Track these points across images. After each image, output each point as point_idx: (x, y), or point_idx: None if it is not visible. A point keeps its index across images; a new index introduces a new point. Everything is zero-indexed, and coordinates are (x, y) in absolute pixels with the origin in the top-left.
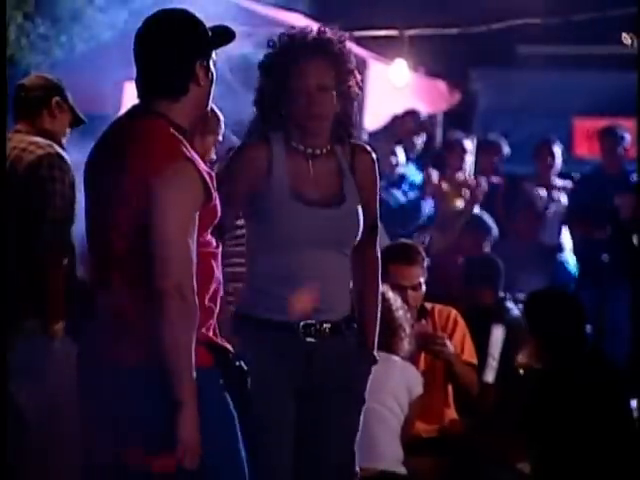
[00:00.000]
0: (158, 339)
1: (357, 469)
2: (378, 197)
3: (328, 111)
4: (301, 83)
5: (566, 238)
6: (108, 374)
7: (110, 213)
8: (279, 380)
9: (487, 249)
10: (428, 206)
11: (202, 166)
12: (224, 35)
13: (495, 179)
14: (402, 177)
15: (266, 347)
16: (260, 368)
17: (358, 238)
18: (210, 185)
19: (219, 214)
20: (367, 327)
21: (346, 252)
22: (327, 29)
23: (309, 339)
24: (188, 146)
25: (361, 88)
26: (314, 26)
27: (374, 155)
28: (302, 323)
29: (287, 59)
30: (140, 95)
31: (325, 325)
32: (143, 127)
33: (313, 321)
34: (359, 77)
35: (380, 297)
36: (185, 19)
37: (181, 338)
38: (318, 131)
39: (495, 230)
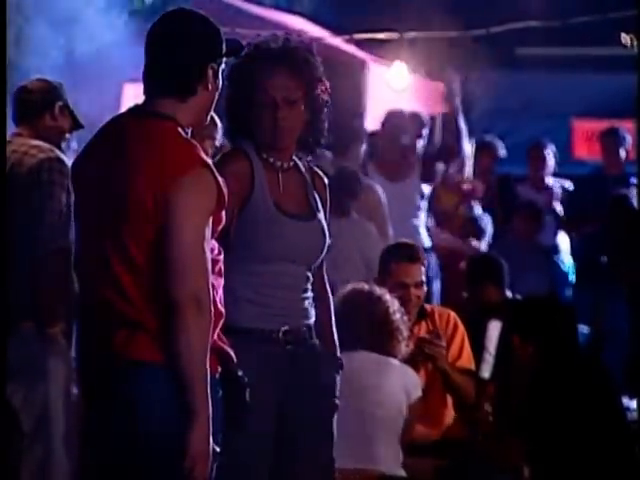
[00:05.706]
0: (174, 348)
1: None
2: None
3: (295, 124)
4: (267, 97)
5: (562, 239)
6: (123, 371)
7: (125, 222)
8: (263, 389)
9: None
10: None
11: (216, 172)
12: (235, 47)
13: (492, 179)
14: None
15: (250, 356)
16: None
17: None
18: (223, 191)
19: (224, 221)
20: (329, 334)
21: (312, 267)
22: (293, 37)
23: (289, 346)
24: (202, 151)
25: (330, 94)
26: (281, 33)
27: (326, 180)
28: (283, 329)
29: (252, 71)
30: (146, 92)
31: (303, 329)
32: (153, 129)
33: (288, 327)
34: (327, 84)
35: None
36: (202, 20)
37: (197, 348)
38: (286, 144)
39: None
